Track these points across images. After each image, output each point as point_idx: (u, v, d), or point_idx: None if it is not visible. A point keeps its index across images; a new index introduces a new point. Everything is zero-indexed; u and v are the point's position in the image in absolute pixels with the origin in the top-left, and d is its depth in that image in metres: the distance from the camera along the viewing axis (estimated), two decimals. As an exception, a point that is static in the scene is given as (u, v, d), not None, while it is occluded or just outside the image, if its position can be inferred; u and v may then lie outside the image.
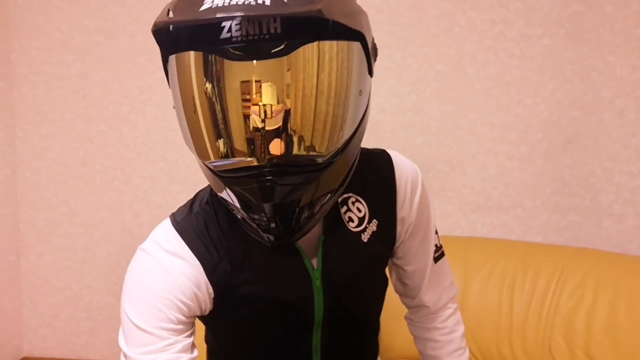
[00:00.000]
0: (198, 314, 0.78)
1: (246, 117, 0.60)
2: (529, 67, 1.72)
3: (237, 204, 0.66)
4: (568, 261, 1.49)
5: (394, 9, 1.80)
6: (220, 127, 0.61)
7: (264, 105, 0.59)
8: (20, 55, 2.13)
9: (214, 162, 0.65)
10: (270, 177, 0.61)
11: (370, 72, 0.70)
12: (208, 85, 0.60)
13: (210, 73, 0.60)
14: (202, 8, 0.57)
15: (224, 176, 0.65)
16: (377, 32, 1.95)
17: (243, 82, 0.59)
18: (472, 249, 1.61)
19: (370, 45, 0.69)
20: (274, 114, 0.59)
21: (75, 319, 2.20)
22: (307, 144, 0.62)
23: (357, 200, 0.83)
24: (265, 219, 0.65)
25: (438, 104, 1.80)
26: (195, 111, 0.62)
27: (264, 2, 0.56)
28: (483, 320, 1.48)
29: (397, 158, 0.87)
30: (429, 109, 1.81)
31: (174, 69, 0.64)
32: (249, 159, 0.61)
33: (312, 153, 0.63)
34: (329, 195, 0.69)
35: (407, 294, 0.99)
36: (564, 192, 1.73)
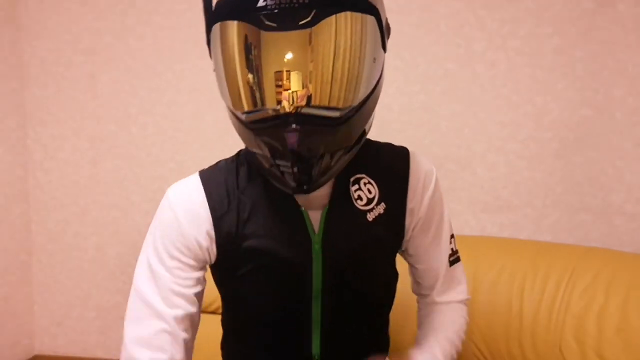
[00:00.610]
0: (203, 258, 0.87)
1: (276, 72, 0.70)
2: (539, 65, 1.71)
3: (266, 153, 0.74)
4: (579, 261, 1.48)
5: (402, 7, 1.79)
6: (253, 80, 0.72)
7: (291, 65, 0.70)
8: (31, 56, 2.15)
9: (248, 112, 0.74)
10: (294, 126, 0.70)
11: (384, 47, 0.79)
12: (245, 48, 0.71)
13: (247, 39, 0.71)
14: None
15: (255, 127, 0.74)
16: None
17: (275, 49, 0.70)
18: (481, 249, 1.60)
19: (384, 22, 0.78)
20: (299, 78, 0.70)
21: (85, 318, 2.22)
22: (327, 98, 0.71)
23: (370, 183, 0.89)
24: (289, 164, 0.73)
25: (447, 103, 1.79)
26: (234, 70, 0.73)
27: None
28: (493, 319, 1.47)
29: (416, 155, 0.95)
30: (438, 108, 1.80)
31: (217, 35, 0.74)
32: (277, 107, 0.71)
33: (331, 105, 0.72)
34: (344, 150, 0.77)
35: (420, 292, 1.01)
36: (574, 191, 1.71)
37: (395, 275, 0.98)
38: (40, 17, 2.13)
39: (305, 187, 0.74)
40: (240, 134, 0.81)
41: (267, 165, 0.77)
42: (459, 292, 1.01)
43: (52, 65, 2.14)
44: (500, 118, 1.75)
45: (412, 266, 1.00)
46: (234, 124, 0.82)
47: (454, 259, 0.99)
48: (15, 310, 2.18)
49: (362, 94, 0.75)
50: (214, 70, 0.79)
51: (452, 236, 0.99)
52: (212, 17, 0.74)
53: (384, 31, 0.78)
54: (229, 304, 0.98)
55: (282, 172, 0.75)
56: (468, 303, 1.04)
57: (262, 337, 0.93)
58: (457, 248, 1.00)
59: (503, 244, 1.64)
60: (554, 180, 1.73)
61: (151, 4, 2.02)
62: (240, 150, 0.94)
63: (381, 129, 1.93)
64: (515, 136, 1.75)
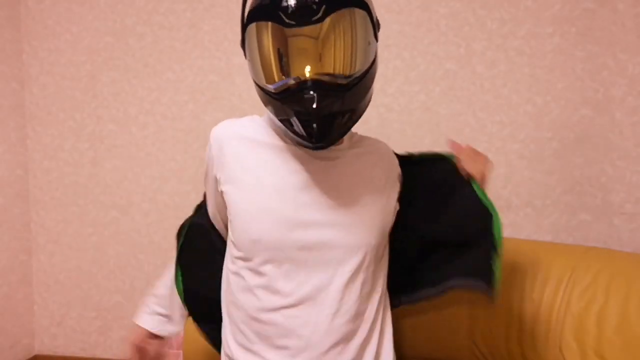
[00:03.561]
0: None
1: (297, 54, 0.92)
2: (539, 65, 1.71)
3: (292, 116, 0.93)
4: (579, 261, 1.47)
5: (403, 7, 1.79)
6: (281, 60, 0.92)
7: (308, 48, 0.91)
8: (31, 56, 2.15)
9: (277, 83, 0.93)
10: (311, 92, 0.89)
11: (376, 37, 0.98)
12: (274, 40, 0.92)
13: (275, 33, 0.91)
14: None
15: (282, 97, 0.93)
16: (386, 31, 1.95)
17: (295, 41, 0.91)
18: (481, 249, 1.60)
19: (374, 17, 0.97)
20: (313, 54, 0.91)
21: (85, 318, 2.22)
22: (333, 66, 0.91)
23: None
24: (310, 124, 0.91)
25: (447, 102, 1.79)
26: (267, 55, 0.93)
27: None
28: (493, 319, 1.47)
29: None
30: (438, 108, 1.80)
31: (253, 32, 0.94)
32: (298, 76, 0.91)
33: (337, 72, 0.91)
34: (350, 113, 0.95)
35: None
36: (574, 191, 1.71)
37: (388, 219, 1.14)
38: (40, 17, 2.13)
39: (323, 142, 0.93)
40: (269, 106, 0.98)
41: (291, 127, 0.94)
42: None
43: (51, 65, 2.14)
44: (500, 118, 1.75)
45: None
46: (263, 101, 0.99)
47: None
48: (15, 310, 2.18)
49: (360, 66, 0.94)
50: (248, 59, 0.97)
51: None
52: (248, 19, 0.95)
53: (375, 24, 0.97)
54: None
55: (305, 130, 0.92)
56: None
57: None
58: None
59: (503, 243, 1.64)
60: (554, 180, 1.73)
61: (151, 4, 2.02)
62: None
63: (381, 128, 1.93)
64: (516, 136, 1.75)
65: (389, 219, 1.08)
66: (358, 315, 1.00)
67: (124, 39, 2.06)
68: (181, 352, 1.78)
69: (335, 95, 0.92)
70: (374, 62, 0.98)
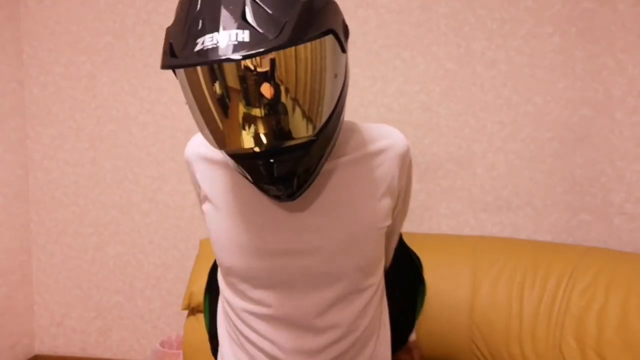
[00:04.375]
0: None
1: (245, 114, 0.73)
2: (540, 65, 1.71)
3: (249, 177, 0.80)
4: (579, 261, 1.48)
5: (403, 7, 1.79)
6: (226, 123, 0.75)
7: (258, 104, 0.72)
8: (31, 56, 2.15)
9: (226, 150, 0.78)
10: (271, 160, 0.76)
11: (343, 50, 0.79)
12: (213, 92, 0.73)
13: (214, 82, 0.73)
14: (196, 49, 0.67)
15: (235, 157, 0.79)
16: (386, 31, 1.95)
17: (240, 88, 0.72)
18: (481, 248, 1.60)
19: (341, 30, 0.77)
20: (266, 111, 0.73)
21: (85, 318, 2.22)
22: (296, 131, 0.75)
23: None
24: (272, 187, 0.79)
25: (447, 102, 1.79)
26: (206, 112, 0.75)
27: (243, 39, 0.65)
28: (493, 319, 1.47)
29: None
30: (438, 108, 1.80)
31: (183, 78, 0.76)
32: (253, 147, 0.75)
33: (300, 136, 0.75)
34: (319, 160, 0.81)
35: None
36: (574, 191, 1.71)
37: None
38: (40, 18, 2.13)
39: (289, 199, 0.81)
40: (224, 156, 0.84)
41: (252, 182, 0.82)
42: None
43: (51, 65, 2.14)
44: (500, 118, 1.75)
45: None
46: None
47: None
48: (15, 310, 2.18)
49: (327, 112, 0.78)
50: (186, 104, 0.79)
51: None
52: (171, 56, 0.70)
53: (342, 38, 0.78)
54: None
55: (267, 190, 0.81)
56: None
57: None
58: None
59: (503, 244, 1.64)
60: (554, 180, 1.73)
61: (151, 4, 2.02)
62: None
63: (381, 128, 1.93)
64: (516, 136, 1.75)
65: (379, 230, 0.92)
66: (350, 332, 0.90)
67: (124, 39, 2.06)
68: (181, 352, 1.78)
69: (300, 155, 0.77)
70: (343, 85, 0.81)
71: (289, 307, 0.88)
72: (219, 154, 0.91)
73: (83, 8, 2.08)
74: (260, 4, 0.68)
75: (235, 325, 0.95)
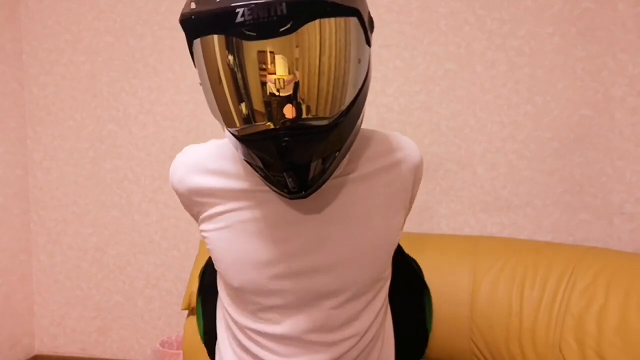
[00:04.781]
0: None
1: (263, 85, 0.69)
2: (539, 65, 1.71)
3: (259, 164, 0.75)
4: (579, 261, 1.48)
5: (403, 7, 1.79)
6: (241, 96, 0.71)
7: (277, 76, 0.68)
8: (31, 56, 2.15)
9: (238, 128, 0.74)
10: (285, 139, 0.70)
11: (368, 43, 0.77)
12: (229, 63, 0.70)
13: (231, 52, 0.69)
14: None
15: (247, 140, 0.74)
16: (386, 31, 1.95)
17: (258, 57, 0.68)
18: (481, 248, 1.60)
19: (366, 19, 0.76)
20: (285, 84, 0.69)
21: (85, 318, 2.22)
22: (314, 108, 0.71)
23: None
24: (282, 175, 0.73)
25: (447, 102, 1.79)
26: (219, 85, 0.72)
27: None
28: (493, 319, 1.47)
29: None
30: (438, 108, 1.80)
31: (199, 50, 0.72)
32: (267, 123, 0.70)
33: (319, 115, 0.71)
34: (337, 153, 0.76)
35: None
36: (574, 191, 1.71)
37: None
38: (40, 17, 2.13)
39: (303, 192, 0.75)
40: (233, 145, 0.80)
41: (262, 175, 0.77)
42: None
43: (51, 65, 2.14)
44: (500, 118, 1.75)
45: None
46: (228, 138, 0.81)
47: None
48: (15, 310, 2.18)
49: (349, 97, 0.74)
50: (200, 84, 0.77)
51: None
52: (193, 32, 0.71)
53: (367, 28, 0.76)
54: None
55: (278, 180, 0.75)
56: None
57: None
58: None
59: (503, 243, 1.64)
60: (554, 180, 1.73)
61: (151, 3, 2.02)
62: None
63: (381, 129, 1.93)
64: (516, 136, 1.75)
65: (393, 244, 0.91)
66: (359, 341, 0.90)
67: (124, 39, 2.06)
68: (181, 352, 1.78)
69: (317, 139, 0.72)
70: (366, 77, 0.78)
71: (300, 325, 0.86)
72: (218, 165, 0.86)
73: (83, 8, 2.08)
74: None
75: (239, 340, 0.93)
